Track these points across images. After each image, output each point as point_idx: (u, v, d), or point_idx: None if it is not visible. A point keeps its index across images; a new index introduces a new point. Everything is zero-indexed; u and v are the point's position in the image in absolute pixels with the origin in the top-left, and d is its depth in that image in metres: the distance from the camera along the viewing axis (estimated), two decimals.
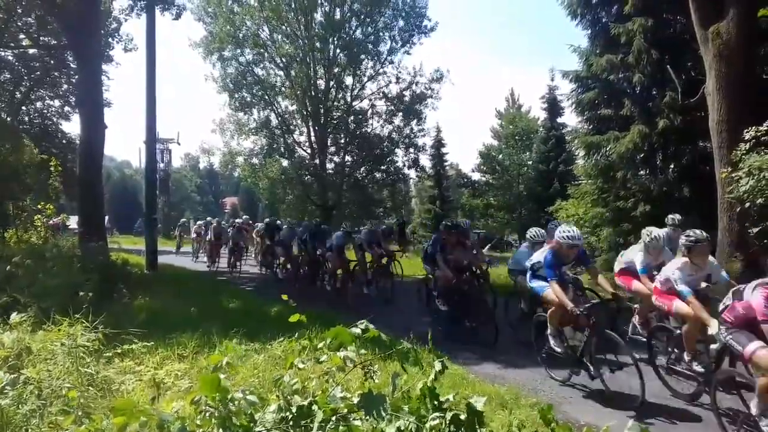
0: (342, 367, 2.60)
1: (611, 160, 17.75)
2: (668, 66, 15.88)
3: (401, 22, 32.59)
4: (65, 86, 28.07)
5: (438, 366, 2.46)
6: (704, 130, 13.49)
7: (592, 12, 18.73)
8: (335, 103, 33.14)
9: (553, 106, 36.68)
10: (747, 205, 10.82)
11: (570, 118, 41.56)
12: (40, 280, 9.66)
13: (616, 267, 8.85)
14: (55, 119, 29.46)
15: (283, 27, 31.43)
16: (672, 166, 17.68)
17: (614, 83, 18.07)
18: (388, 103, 33.46)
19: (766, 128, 10.69)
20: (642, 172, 18.27)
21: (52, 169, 16.05)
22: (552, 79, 36.87)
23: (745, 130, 11.02)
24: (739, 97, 11.93)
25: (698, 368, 6.17)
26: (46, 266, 10.92)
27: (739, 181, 10.77)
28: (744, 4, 11.82)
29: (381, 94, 33.36)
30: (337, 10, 31.44)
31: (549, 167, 35.74)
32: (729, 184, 11.37)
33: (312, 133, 33.13)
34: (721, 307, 5.34)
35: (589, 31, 19.03)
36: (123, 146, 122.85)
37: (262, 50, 31.62)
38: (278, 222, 20.07)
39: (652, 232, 7.95)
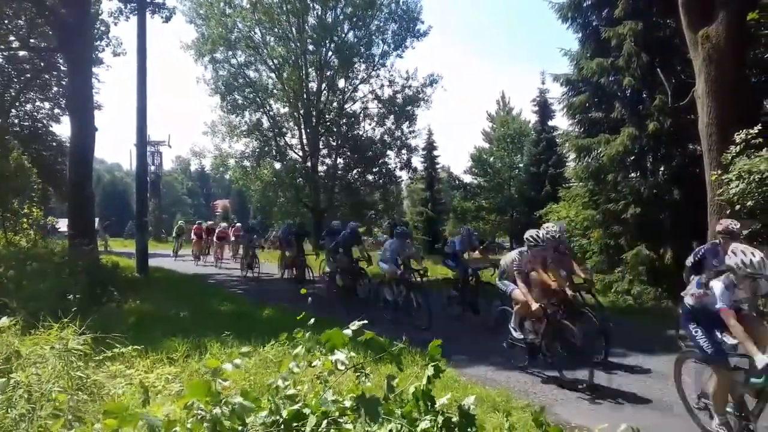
0: (333, 371, 2.59)
1: (602, 162, 17.80)
2: (658, 69, 15.95)
3: (394, 26, 32.64)
4: (55, 89, 27.92)
5: (431, 370, 2.45)
6: (694, 133, 13.56)
7: (583, 15, 18.79)
8: (327, 106, 33.12)
9: (544, 109, 36.83)
10: (737, 207, 10.88)
11: (561, 121, 41.80)
12: (28, 283, 9.61)
13: None
14: (45, 122, 29.28)
15: (276, 29, 31.38)
16: (662, 168, 17.75)
17: (605, 86, 18.12)
18: (380, 106, 33.48)
19: (756, 131, 10.77)
20: (632, 175, 18.33)
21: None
22: (543, 82, 37.11)
23: (736, 134, 11.08)
24: (729, 100, 12.00)
25: None
26: (35, 269, 10.86)
27: (729, 183, 10.83)
28: (733, 7, 11.90)
29: (373, 95, 33.40)
30: (330, 13, 31.44)
31: (540, 170, 35.85)
32: (719, 186, 11.44)
33: (304, 136, 33.10)
34: None
35: (580, 35, 19.09)
36: (113, 149, 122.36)
37: (254, 52, 31.57)
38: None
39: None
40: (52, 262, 12.32)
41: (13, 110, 27.42)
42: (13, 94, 26.72)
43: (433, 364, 2.48)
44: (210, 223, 27.54)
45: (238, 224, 25.99)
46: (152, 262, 19.43)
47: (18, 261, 11.51)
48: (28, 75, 26.57)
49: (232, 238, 23.94)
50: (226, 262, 23.63)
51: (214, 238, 24.01)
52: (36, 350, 5.10)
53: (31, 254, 13.08)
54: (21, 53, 25.15)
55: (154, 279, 15.83)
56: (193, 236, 25.32)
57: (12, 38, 22.46)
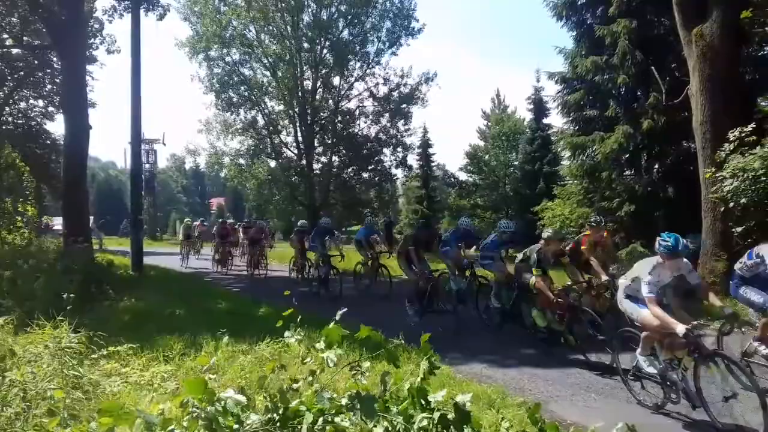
0: (327, 368, 2.60)
1: (596, 160, 17.88)
2: (652, 67, 16.02)
3: (389, 24, 32.61)
4: (49, 86, 27.84)
5: (425, 365, 2.46)
6: (688, 131, 13.63)
7: (577, 14, 18.86)
8: (322, 104, 33.10)
9: (539, 107, 36.89)
10: (731, 205, 10.93)
11: (556, 119, 41.86)
12: (23, 282, 9.58)
13: None
14: (38, 120, 29.21)
15: (270, 27, 31.31)
16: (656, 166, 17.84)
17: (599, 84, 18.19)
18: (376, 104, 33.47)
19: (750, 129, 10.81)
20: (627, 173, 18.42)
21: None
22: (538, 80, 37.22)
23: (730, 131, 11.14)
24: (723, 98, 12.05)
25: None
26: (29, 268, 10.82)
27: (723, 181, 10.88)
28: (727, 5, 11.95)
29: (369, 93, 33.39)
30: (325, 11, 31.40)
31: (535, 168, 35.93)
32: (713, 184, 11.49)
33: (299, 134, 33.05)
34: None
35: (575, 33, 19.16)
36: (108, 147, 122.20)
37: (248, 50, 31.51)
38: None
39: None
40: (46, 261, 12.28)
41: (6, 108, 27.32)
42: (6, 91, 26.60)
43: (427, 358, 2.49)
44: (229, 221, 23.88)
45: (263, 223, 22.15)
46: (154, 262, 19.39)
47: (12, 260, 11.47)
48: (22, 73, 26.47)
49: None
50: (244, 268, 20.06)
51: (247, 239, 19.78)
52: (30, 349, 5.09)
53: (26, 253, 13.03)
54: (14, 51, 25.05)
55: (149, 277, 15.78)
56: (208, 237, 22.58)
57: (5, 36, 22.37)
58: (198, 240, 24.98)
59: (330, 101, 33.32)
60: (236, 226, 24.03)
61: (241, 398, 2.35)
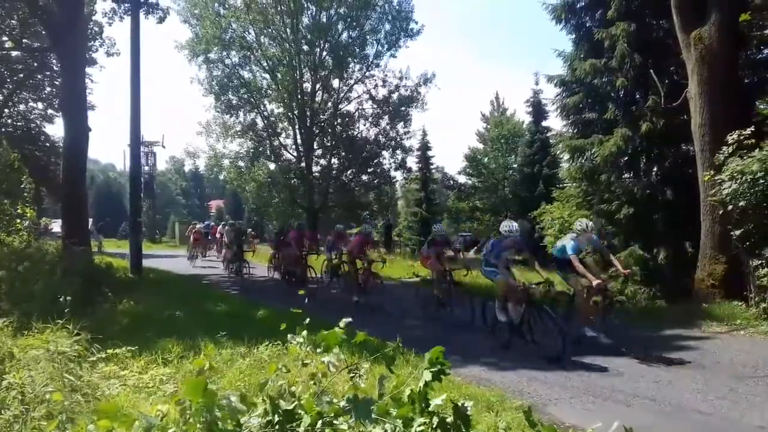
0: (326, 372, 2.60)
1: (595, 163, 17.87)
2: (651, 70, 16.02)
3: (387, 26, 32.73)
4: (48, 89, 27.84)
5: (428, 375, 2.45)
6: (687, 134, 13.64)
7: (576, 17, 18.84)
8: (322, 106, 33.14)
9: (538, 110, 36.97)
10: (729, 207, 10.94)
11: (555, 122, 41.92)
12: (21, 284, 9.57)
13: None
14: (38, 122, 29.20)
15: (270, 30, 31.39)
16: (655, 169, 17.83)
17: (598, 87, 18.18)
18: (375, 106, 33.53)
19: (748, 132, 10.82)
20: (626, 175, 18.41)
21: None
22: (537, 83, 37.27)
23: (729, 134, 11.14)
24: (722, 101, 12.07)
25: None
26: (27, 270, 10.82)
27: (722, 184, 10.89)
28: (726, 9, 11.97)
29: (368, 95, 33.46)
30: (324, 13, 31.46)
31: (534, 170, 35.99)
32: (711, 187, 11.49)
33: (298, 136, 33.11)
34: None
35: (574, 36, 19.15)
36: (107, 149, 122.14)
37: (248, 53, 31.58)
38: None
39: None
40: (45, 263, 12.27)
41: (5, 110, 27.30)
42: (5, 94, 26.58)
43: (431, 369, 2.48)
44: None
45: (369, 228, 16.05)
46: (153, 264, 19.31)
47: (11, 262, 11.46)
48: (21, 75, 26.45)
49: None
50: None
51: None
52: (29, 352, 5.09)
53: (24, 255, 13.02)
54: (14, 53, 25.04)
55: (148, 280, 15.78)
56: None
57: (5, 38, 22.37)
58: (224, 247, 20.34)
59: (329, 103, 33.39)
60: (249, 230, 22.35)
61: (240, 407, 2.35)
